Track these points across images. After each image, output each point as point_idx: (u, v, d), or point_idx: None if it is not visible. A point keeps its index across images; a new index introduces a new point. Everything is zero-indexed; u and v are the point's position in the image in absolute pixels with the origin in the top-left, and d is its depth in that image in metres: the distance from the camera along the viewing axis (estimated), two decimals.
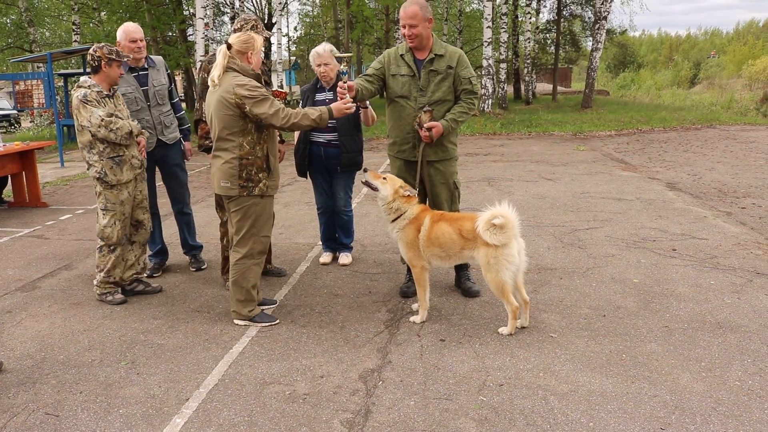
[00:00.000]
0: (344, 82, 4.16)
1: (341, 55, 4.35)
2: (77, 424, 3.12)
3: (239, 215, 4.14)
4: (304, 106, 5.22)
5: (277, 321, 4.31)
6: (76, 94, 4.49)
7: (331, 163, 5.30)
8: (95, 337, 4.17)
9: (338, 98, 4.19)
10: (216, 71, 3.99)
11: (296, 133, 5.34)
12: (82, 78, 4.64)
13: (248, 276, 4.19)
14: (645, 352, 3.69)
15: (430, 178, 4.59)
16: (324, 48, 5.11)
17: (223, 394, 3.36)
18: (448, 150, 4.58)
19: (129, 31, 5.03)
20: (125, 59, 4.64)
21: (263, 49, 4.23)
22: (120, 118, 4.56)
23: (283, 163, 6.17)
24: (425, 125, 4.34)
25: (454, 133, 4.58)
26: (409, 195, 4.25)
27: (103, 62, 4.51)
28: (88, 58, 4.56)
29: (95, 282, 4.80)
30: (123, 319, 4.47)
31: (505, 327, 4.01)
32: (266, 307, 4.56)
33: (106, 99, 4.58)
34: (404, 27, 4.40)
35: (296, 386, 3.42)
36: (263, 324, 4.24)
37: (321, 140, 5.24)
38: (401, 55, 4.55)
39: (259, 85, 3.96)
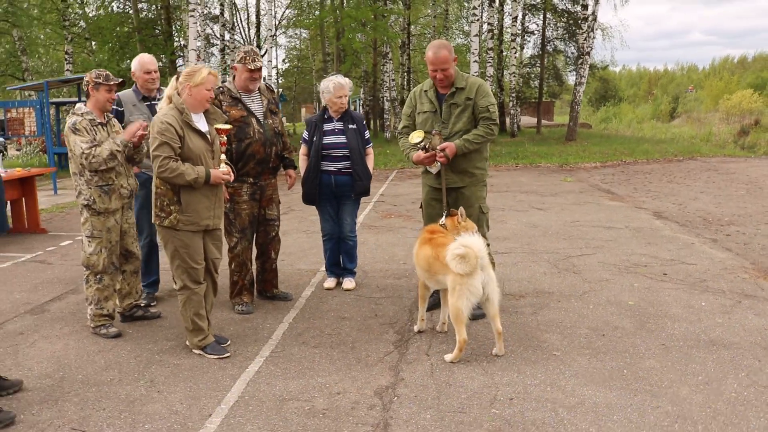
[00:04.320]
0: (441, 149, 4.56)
1: (433, 135, 4.61)
2: None
3: (163, 244, 4.27)
4: (311, 136, 5.43)
5: (228, 354, 4.24)
6: (68, 122, 4.52)
7: (341, 191, 5.49)
8: (111, 358, 4.27)
9: (428, 159, 4.63)
10: (163, 101, 4.21)
11: (301, 162, 5.53)
12: (77, 105, 4.65)
13: (187, 306, 4.24)
14: (645, 368, 3.88)
15: (455, 203, 4.70)
16: (345, 81, 5.38)
17: (244, 410, 3.48)
18: (474, 175, 4.77)
19: (144, 62, 5.23)
20: (112, 83, 4.56)
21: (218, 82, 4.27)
22: (98, 145, 4.46)
23: (282, 190, 6.30)
24: (438, 147, 4.54)
25: (479, 158, 4.76)
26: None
27: (90, 86, 4.54)
28: (83, 84, 4.68)
29: (88, 315, 4.71)
30: (137, 341, 4.57)
31: (450, 354, 4.08)
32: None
33: (99, 127, 4.57)
34: (435, 71, 4.55)
35: (314, 402, 3.55)
36: (213, 356, 4.22)
37: (332, 169, 5.43)
38: (425, 92, 4.79)
39: (170, 126, 3.97)
